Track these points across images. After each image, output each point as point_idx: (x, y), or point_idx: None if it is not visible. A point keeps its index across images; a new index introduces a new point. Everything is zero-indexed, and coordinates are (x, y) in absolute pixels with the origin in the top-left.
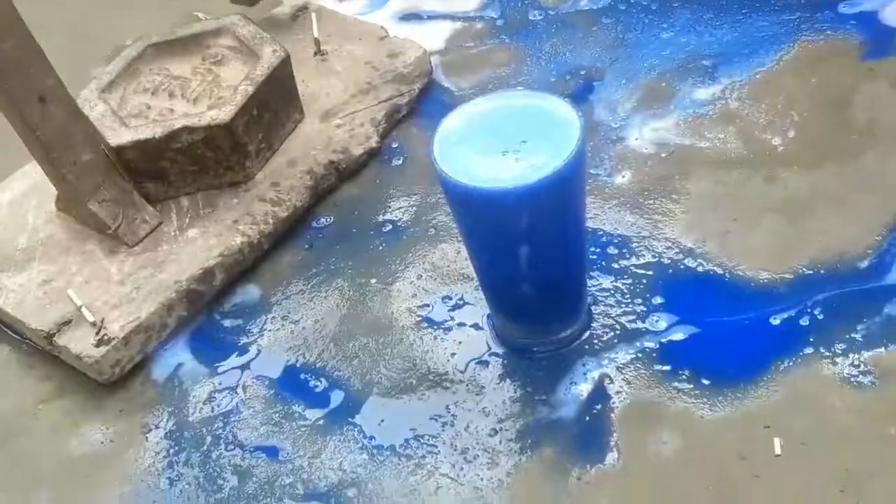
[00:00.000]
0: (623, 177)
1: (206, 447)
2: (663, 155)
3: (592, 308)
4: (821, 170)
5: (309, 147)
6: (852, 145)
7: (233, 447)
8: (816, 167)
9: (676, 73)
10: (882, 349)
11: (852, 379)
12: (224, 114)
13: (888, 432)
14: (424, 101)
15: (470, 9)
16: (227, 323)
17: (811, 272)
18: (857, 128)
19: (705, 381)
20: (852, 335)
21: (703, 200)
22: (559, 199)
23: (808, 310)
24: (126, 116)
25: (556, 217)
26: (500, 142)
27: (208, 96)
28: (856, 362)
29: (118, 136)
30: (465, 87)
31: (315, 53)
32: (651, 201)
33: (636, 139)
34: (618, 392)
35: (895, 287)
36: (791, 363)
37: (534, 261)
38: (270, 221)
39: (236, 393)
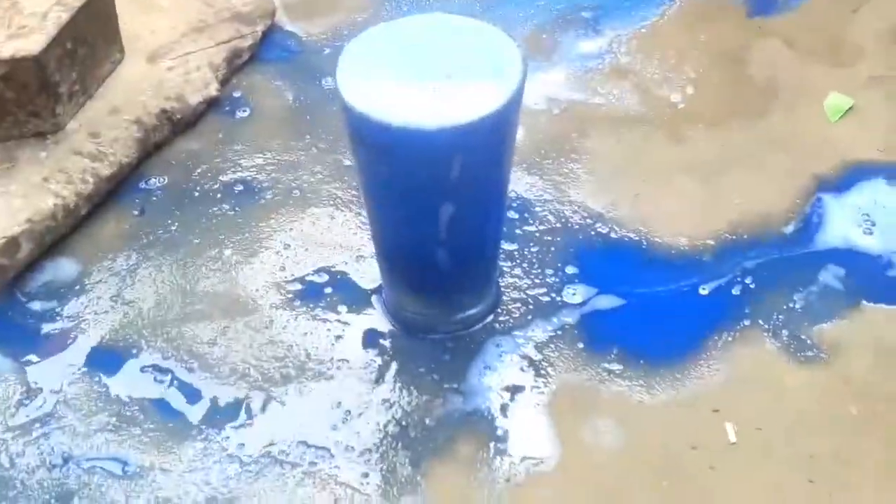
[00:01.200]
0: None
1: (19, 466)
2: (556, 112)
3: (500, 282)
4: (727, 129)
5: (135, 92)
6: (756, 103)
7: (59, 464)
8: (722, 126)
9: (556, 24)
10: (825, 322)
11: (800, 354)
12: (32, 44)
13: (849, 412)
14: (267, 46)
15: None
16: (35, 305)
17: (734, 237)
18: (757, 86)
19: (639, 361)
20: (790, 305)
21: (606, 160)
22: (496, 144)
23: (739, 279)
24: None
25: (490, 166)
26: (423, 71)
27: (6, 24)
28: (801, 336)
29: None
30: (315, 33)
31: None
32: (549, 162)
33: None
34: (541, 376)
35: (826, 253)
36: (730, 338)
37: (456, 221)
38: (90, 180)
39: (57, 392)
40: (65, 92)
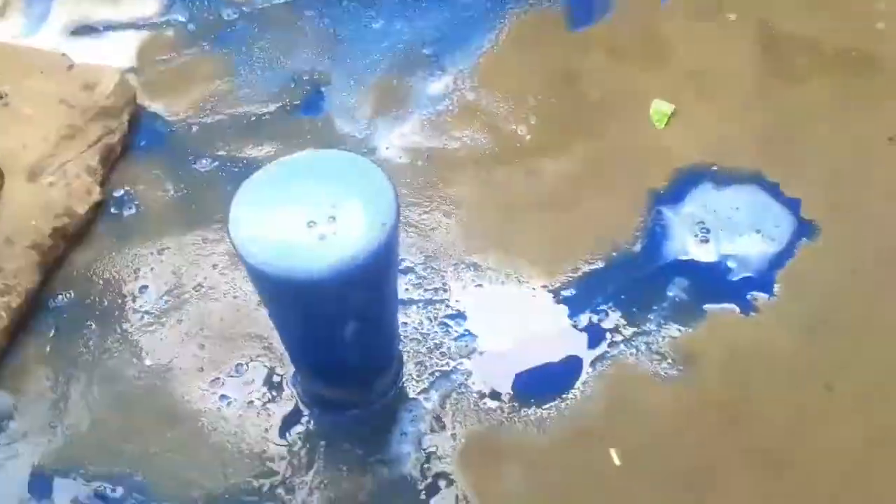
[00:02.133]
0: None
1: None
2: (419, 163)
3: (402, 347)
4: (572, 154)
5: (25, 217)
6: (594, 122)
7: None
8: (567, 151)
9: (402, 66)
10: (677, 333)
11: (661, 372)
12: None
13: (708, 421)
14: (137, 134)
15: (150, 14)
16: None
17: (592, 266)
18: (592, 103)
19: (528, 400)
20: (647, 326)
21: (472, 206)
22: (380, 274)
23: (601, 307)
24: None
25: (379, 289)
26: (308, 214)
27: None
28: (657, 352)
29: None
30: (179, 110)
31: None
32: (425, 216)
33: (387, 148)
34: (451, 434)
35: (670, 266)
36: (603, 366)
37: (357, 335)
38: (3, 315)
39: None
40: None
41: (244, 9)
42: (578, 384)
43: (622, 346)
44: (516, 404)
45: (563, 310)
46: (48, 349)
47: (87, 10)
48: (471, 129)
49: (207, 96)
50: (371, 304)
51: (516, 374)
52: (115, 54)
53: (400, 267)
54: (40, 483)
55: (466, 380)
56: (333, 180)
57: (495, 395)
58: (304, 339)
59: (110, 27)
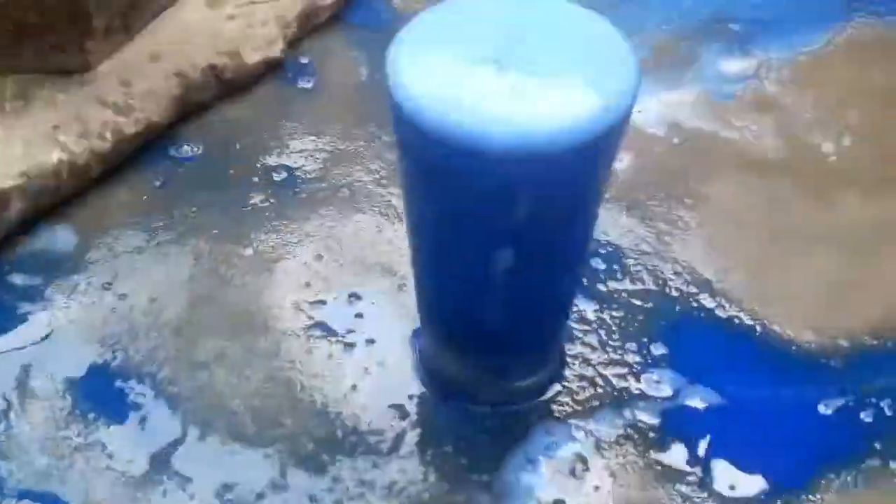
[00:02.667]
0: (620, 161)
1: None
2: (676, 141)
3: (567, 348)
4: (888, 196)
5: (183, 39)
6: None
7: None
8: (882, 191)
9: (696, 34)
10: None
11: None
12: None
13: None
14: (354, 8)
15: None
16: (17, 278)
17: (875, 342)
18: None
19: (729, 488)
20: None
21: (727, 213)
22: (584, 180)
23: (872, 399)
24: None
25: (572, 208)
26: (501, 61)
27: None
28: None
29: None
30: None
31: None
32: (656, 203)
33: (639, 112)
34: (596, 487)
35: None
36: (849, 479)
37: (517, 272)
38: (108, 137)
39: (10, 396)
40: (100, 26)
41: None
42: (806, 490)
43: (891, 464)
44: (707, 486)
45: (816, 382)
46: (144, 198)
47: None
48: (758, 125)
49: None
50: (545, 229)
51: (720, 445)
52: None
53: (608, 249)
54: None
55: (646, 427)
56: (547, 26)
57: (681, 463)
58: (443, 262)
59: None
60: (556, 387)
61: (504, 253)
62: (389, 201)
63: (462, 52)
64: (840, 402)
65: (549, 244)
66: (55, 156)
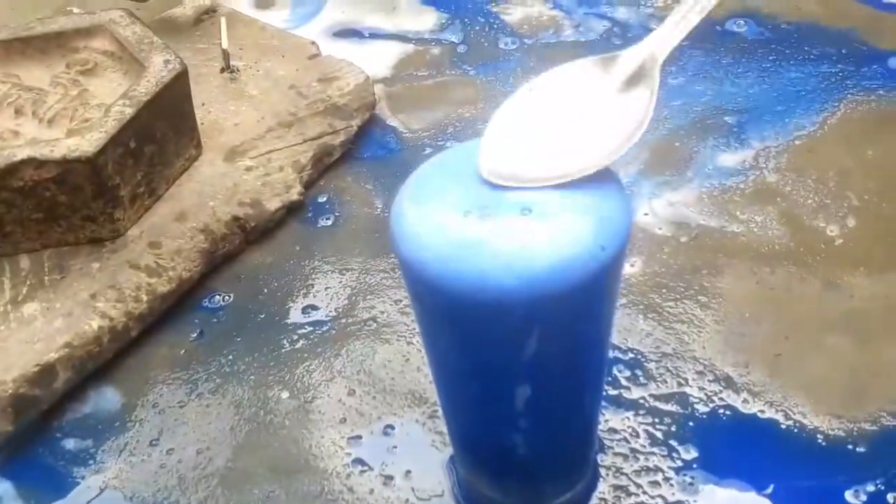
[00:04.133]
0: (632, 265)
1: None
2: (684, 239)
3: (600, 459)
4: (894, 276)
5: (206, 195)
6: None
7: None
8: (890, 271)
9: (692, 130)
10: None
11: None
12: (87, 144)
13: None
14: (364, 143)
15: (424, 29)
16: (69, 444)
17: None
18: None
19: None
20: None
21: (741, 307)
22: (590, 311)
23: None
24: None
25: (582, 338)
26: (497, 204)
27: (69, 117)
28: None
29: None
30: (418, 129)
31: (222, 70)
32: (671, 304)
33: (646, 214)
34: None
35: None
36: None
37: (536, 404)
38: (144, 299)
39: None
40: (126, 195)
41: (525, 41)
42: None
43: None
44: None
45: (843, 469)
46: (182, 352)
47: (360, 15)
48: (763, 216)
49: (453, 120)
50: (558, 362)
51: None
52: (370, 62)
53: (630, 355)
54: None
55: None
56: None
57: None
58: (466, 400)
59: (376, 35)
60: (593, 500)
61: (522, 388)
62: (414, 329)
63: (458, 201)
64: (870, 486)
65: (566, 372)
66: (95, 323)
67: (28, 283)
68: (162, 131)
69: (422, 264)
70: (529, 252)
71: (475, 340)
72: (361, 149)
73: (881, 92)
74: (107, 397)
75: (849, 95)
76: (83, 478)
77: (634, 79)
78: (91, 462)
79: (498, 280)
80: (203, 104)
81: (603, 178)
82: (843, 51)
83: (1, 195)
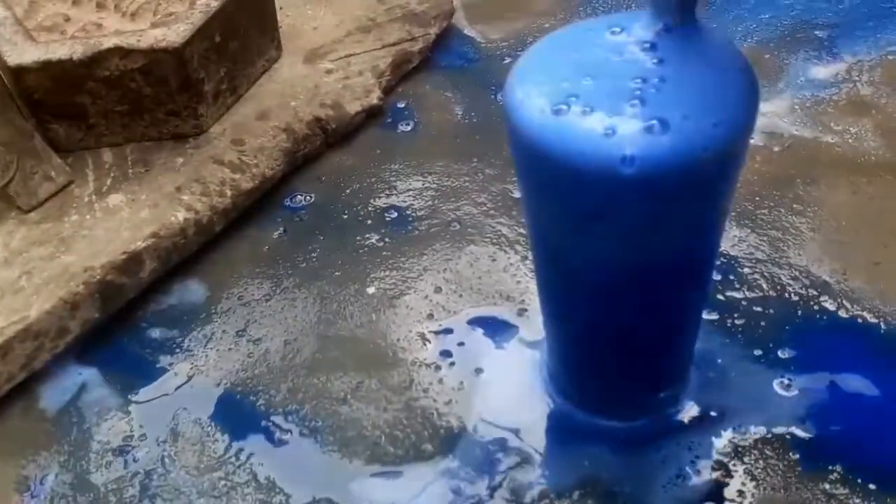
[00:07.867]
0: None
1: None
2: (777, 149)
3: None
4: None
5: (287, 96)
6: None
7: None
8: None
9: (782, 42)
10: None
11: None
12: (174, 35)
13: None
14: (441, 52)
15: None
16: (155, 333)
17: None
18: None
19: (868, 486)
20: None
21: (837, 216)
22: (711, 193)
23: None
24: (35, 28)
25: (701, 221)
26: (618, 84)
27: (153, 10)
28: None
29: (20, 53)
30: (496, 39)
31: None
32: (765, 212)
33: None
34: (739, 492)
35: None
36: None
37: (649, 291)
38: (228, 193)
39: (162, 444)
40: (210, 91)
41: None
42: None
43: None
44: (849, 483)
45: None
46: (265, 249)
47: None
48: (858, 127)
49: (532, 30)
50: (674, 245)
51: (856, 442)
52: None
53: (722, 260)
54: (212, 402)
55: (781, 427)
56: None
57: (819, 462)
58: (571, 286)
59: None
60: (688, 398)
61: (634, 265)
62: (499, 231)
63: (575, 74)
64: None
65: (680, 261)
66: (181, 215)
67: (112, 175)
68: (245, 28)
69: (541, 144)
70: (650, 132)
71: (592, 223)
72: (439, 57)
73: None
74: (191, 289)
75: None
76: (170, 365)
77: None
78: (178, 351)
79: (608, 157)
80: (281, 8)
81: (731, 60)
82: None
83: (86, 85)
